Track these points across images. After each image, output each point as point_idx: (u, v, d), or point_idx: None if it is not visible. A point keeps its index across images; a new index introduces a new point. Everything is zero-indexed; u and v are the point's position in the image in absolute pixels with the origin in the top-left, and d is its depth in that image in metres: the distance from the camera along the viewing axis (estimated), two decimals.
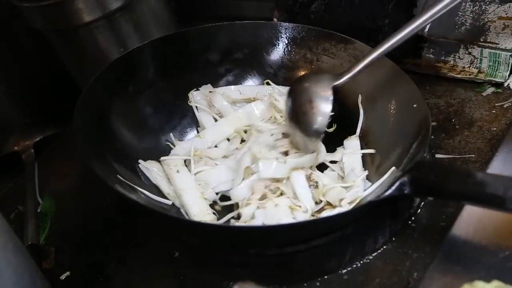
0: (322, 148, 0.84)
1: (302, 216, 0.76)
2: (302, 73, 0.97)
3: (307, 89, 0.81)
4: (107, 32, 0.99)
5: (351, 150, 0.85)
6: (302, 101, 0.81)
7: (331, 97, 0.79)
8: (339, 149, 0.86)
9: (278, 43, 0.98)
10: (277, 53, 0.98)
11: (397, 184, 0.68)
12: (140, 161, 0.85)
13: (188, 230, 0.79)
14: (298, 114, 0.81)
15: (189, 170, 0.85)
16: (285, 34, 0.97)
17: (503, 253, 0.66)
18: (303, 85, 0.82)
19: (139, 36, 1.02)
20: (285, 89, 0.95)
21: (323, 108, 0.79)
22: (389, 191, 0.68)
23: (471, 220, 0.70)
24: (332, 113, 0.80)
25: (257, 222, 0.75)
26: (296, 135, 0.83)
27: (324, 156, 0.84)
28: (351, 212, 0.73)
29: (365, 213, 0.74)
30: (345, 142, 0.87)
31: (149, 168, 0.85)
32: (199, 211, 0.79)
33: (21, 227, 0.85)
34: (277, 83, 0.97)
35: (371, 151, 0.84)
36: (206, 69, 0.97)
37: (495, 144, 0.82)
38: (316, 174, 0.81)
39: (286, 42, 0.97)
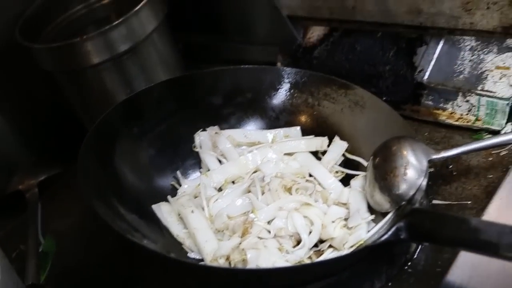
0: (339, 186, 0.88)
1: (296, 255, 0.77)
2: (303, 117, 0.99)
3: (405, 156, 0.79)
4: (114, 73, 1.02)
5: (358, 189, 0.85)
6: (397, 164, 0.78)
7: (426, 170, 0.78)
8: (345, 189, 0.87)
9: (281, 88, 0.99)
10: (280, 97, 1.00)
11: (393, 229, 0.69)
12: (153, 206, 0.86)
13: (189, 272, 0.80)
14: (387, 174, 0.79)
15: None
16: (288, 78, 0.99)
17: None
18: (401, 150, 0.80)
19: (145, 78, 1.04)
20: (289, 131, 0.97)
21: (415, 179, 0.77)
22: (386, 236, 0.69)
23: (466, 266, 0.71)
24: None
25: (251, 265, 0.75)
26: (374, 192, 0.81)
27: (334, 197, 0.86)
28: (347, 257, 0.73)
29: (362, 258, 0.75)
30: (352, 182, 0.87)
31: (162, 209, 0.86)
32: (212, 250, 0.78)
33: (22, 266, 0.86)
34: (279, 127, 0.99)
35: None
36: (210, 112, 0.98)
37: (491, 191, 0.82)
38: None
39: (289, 86, 0.99)
